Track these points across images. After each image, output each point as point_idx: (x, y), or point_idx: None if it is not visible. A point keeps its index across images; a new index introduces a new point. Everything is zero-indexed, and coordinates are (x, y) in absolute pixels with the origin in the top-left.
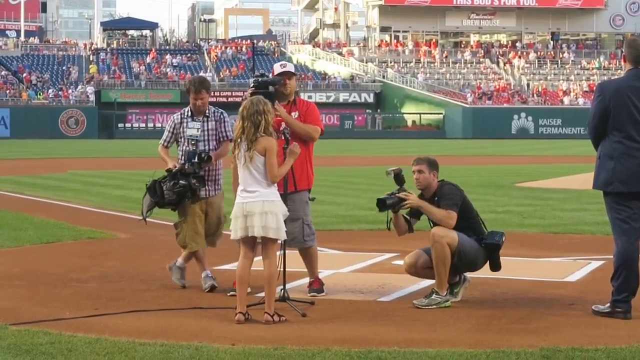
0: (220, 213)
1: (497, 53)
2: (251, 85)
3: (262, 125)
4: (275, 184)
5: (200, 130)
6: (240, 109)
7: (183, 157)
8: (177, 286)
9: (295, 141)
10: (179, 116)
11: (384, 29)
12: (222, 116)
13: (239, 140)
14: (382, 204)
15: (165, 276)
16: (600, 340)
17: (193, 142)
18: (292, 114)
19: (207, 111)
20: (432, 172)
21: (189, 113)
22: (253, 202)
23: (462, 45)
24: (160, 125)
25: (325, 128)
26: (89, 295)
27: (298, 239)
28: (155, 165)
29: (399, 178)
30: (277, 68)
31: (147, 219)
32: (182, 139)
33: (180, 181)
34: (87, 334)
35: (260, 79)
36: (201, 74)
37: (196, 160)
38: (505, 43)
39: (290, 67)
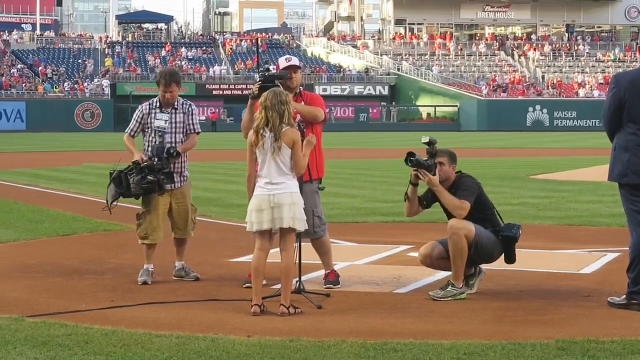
0: (187, 204)
1: (512, 45)
2: (258, 80)
3: (286, 116)
4: (296, 176)
5: (167, 122)
6: (262, 100)
7: (149, 149)
8: (193, 278)
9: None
10: (147, 106)
11: (398, 22)
12: (190, 108)
13: (262, 130)
14: (410, 155)
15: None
16: (616, 332)
17: (160, 134)
18: None
19: (175, 103)
20: (452, 165)
21: (157, 104)
22: (281, 193)
23: (477, 38)
24: None
25: (340, 121)
26: (105, 287)
27: (308, 230)
28: (124, 156)
29: (432, 147)
30: (283, 62)
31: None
32: (149, 129)
33: (149, 177)
34: (104, 325)
35: (266, 73)
36: (216, 67)
37: (164, 155)
38: (520, 35)
39: (295, 61)
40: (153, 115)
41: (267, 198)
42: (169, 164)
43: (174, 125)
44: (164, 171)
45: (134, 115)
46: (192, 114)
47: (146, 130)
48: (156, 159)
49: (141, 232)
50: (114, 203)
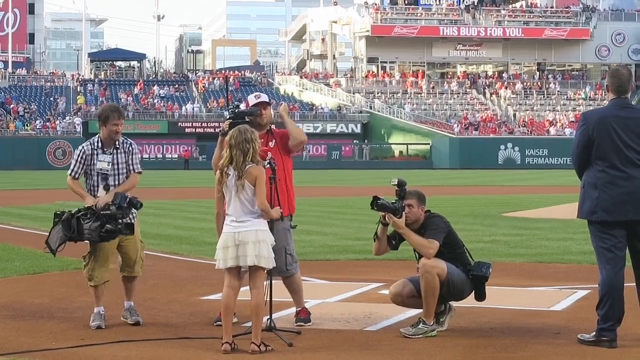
0: (136, 241)
1: (484, 83)
2: (227, 117)
3: (251, 154)
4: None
5: (110, 163)
6: (227, 138)
7: (93, 192)
8: (164, 316)
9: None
10: (90, 146)
11: (371, 60)
12: (131, 147)
13: (226, 169)
14: (375, 199)
15: (152, 306)
16: None
17: (103, 176)
18: (269, 143)
19: (117, 142)
20: (421, 206)
21: (99, 144)
22: (246, 231)
23: (449, 76)
24: (147, 156)
25: (312, 159)
26: (75, 325)
27: (280, 268)
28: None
29: (401, 189)
30: (252, 99)
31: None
32: (92, 171)
33: (107, 225)
34: None
35: (236, 110)
36: (189, 104)
37: (126, 205)
38: (491, 74)
39: (264, 97)
40: (95, 156)
41: (232, 236)
42: (129, 214)
43: (116, 166)
44: (125, 221)
45: (75, 157)
46: (133, 154)
47: (88, 172)
48: (114, 207)
49: (86, 273)
50: (62, 246)
